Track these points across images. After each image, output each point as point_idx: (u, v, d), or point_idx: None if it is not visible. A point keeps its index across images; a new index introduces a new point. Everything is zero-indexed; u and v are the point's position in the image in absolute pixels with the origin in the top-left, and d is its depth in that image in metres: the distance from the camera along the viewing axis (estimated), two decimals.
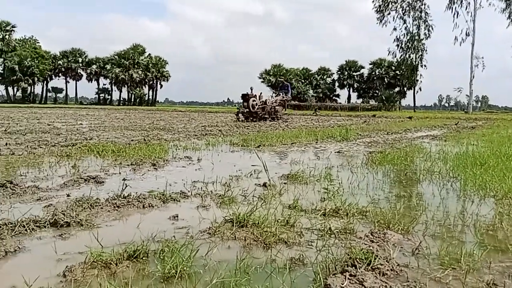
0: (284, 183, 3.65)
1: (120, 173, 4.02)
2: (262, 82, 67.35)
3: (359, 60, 67.20)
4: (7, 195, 2.95)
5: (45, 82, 68.30)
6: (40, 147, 5.84)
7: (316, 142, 7.97)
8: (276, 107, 17.52)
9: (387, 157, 5.21)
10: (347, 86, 67.59)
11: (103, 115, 22.41)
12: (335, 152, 6.26)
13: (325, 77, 69.86)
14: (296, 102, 59.58)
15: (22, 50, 63.17)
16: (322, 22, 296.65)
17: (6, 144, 6.16)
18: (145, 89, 71.95)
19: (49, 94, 72.41)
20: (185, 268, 1.68)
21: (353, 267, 1.70)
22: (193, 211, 2.69)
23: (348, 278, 1.62)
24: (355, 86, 66.97)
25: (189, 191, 3.17)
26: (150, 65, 68.57)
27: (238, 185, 3.51)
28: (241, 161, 5.19)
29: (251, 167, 4.28)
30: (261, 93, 16.94)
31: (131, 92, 70.14)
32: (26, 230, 2.16)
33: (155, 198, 2.91)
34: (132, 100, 70.12)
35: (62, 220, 2.27)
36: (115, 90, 71.67)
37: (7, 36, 64.55)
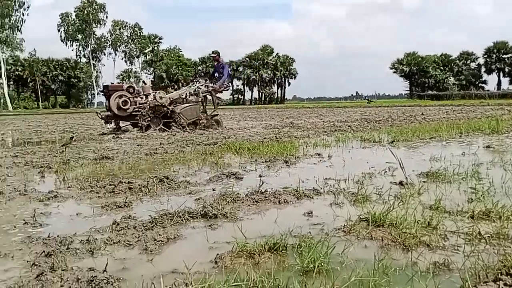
0: (424, 181, 3.42)
1: (256, 169, 4.29)
2: (394, 72, 63.91)
3: (509, 41, 58.55)
4: (165, 188, 3.41)
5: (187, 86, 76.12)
6: (188, 146, 6.56)
7: (460, 136, 7.24)
8: (179, 107, 9.80)
9: None
10: (496, 71, 59.57)
11: (237, 114, 23.96)
12: (484, 147, 5.61)
13: (468, 62, 62.79)
14: (434, 92, 54.80)
15: (168, 59, 71.58)
16: (456, 1, 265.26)
17: (160, 143, 7.07)
18: (274, 88, 74.65)
19: None
20: (322, 264, 1.73)
21: (508, 276, 1.53)
22: (327, 208, 2.73)
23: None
24: (507, 70, 58.55)
25: (321, 188, 3.21)
26: (278, 64, 70.89)
27: (372, 183, 3.43)
28: (374, 157, 5.02)
29: (385, 164, 4.12)
30: (143, 82, 10.80)
31: (261, 91, 73.57)
32: (182, 220, 2.48)
33: (290, 194, 3.03)
34: (263, 99, 73.45)
35: (211, 212, 2.55)
36: (247, 91, 76.18)
37: (155, 48, 73.98)
